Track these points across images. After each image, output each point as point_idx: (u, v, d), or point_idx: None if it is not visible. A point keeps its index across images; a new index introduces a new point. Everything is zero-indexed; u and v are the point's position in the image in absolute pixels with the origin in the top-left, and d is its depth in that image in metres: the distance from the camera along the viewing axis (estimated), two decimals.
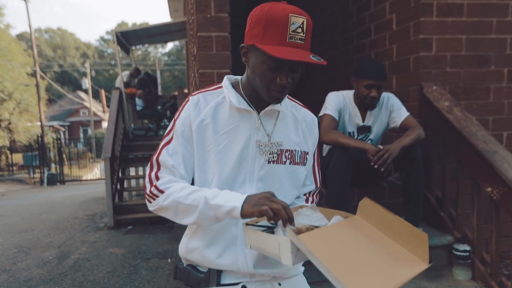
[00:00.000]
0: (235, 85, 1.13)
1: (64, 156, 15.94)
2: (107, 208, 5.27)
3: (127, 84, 8.60)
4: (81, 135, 30.48)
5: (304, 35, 0.96)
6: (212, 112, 1.08)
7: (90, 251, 4.02)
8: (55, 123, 28.42)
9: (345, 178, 2.29)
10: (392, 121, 2.53)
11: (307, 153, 1.17)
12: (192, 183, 1.11)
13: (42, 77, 18.24)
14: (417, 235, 0.87)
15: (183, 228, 1.20)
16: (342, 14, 4.20)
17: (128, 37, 8.49)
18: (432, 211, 2.78)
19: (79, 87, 34.76)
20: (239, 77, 1.16)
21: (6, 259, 3.88)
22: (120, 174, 6.14)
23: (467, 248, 2.37)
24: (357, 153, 2.34)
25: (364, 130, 2.54)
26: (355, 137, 2.55)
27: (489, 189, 2.22)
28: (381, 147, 2.23)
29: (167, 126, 1.15)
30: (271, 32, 0.94)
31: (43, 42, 43.69)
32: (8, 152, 16.53)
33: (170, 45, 46.52)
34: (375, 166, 2.18)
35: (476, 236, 2.40)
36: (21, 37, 36.76)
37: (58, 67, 41.14)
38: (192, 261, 1.14)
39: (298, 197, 1.21)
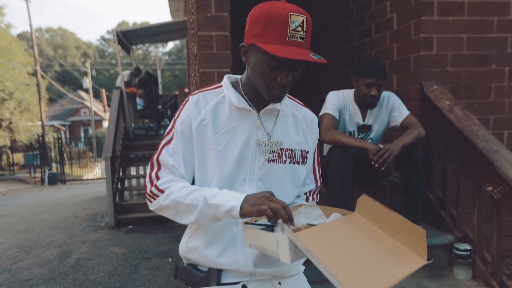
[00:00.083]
0: (235, 85, 1.13)
1: (65, 155, 15.95)
2: (108, 208, 5.27)
3: (127, 84, 8.61)
4: (82, 134, 30.50)
5: (304, 33, 0.96)
6: (212, 111, 1.08)
7: (91, 251, 4.03)
8: (56, 123, 28.45)
9: (345, 177, 2.29)
10: (393, 120, 2.53)
11: (307, 152, 1.17)
12: (193, 183, 1.11)
13: (43, 77, 18.26)
14: (416, 231, 0.87)
15: (183, 227, 1.20)
16: (343, 13, 4.20)
17: (128, 37, 8.50)
18: (433, 210, 2.77)
19: (80, 86, 34.82)
20: (239, 76, 1.16)
21: (7, 259, 3.89)
22: (121, 174, 6.14)
23: (468, 247, 2.37)
24: (357, 152, 2.34)
25: (364, 129, 2.54)
26: (356, 136, 2.55)
27: (490, 188, 2.22)
28: (381, 146, 2.22)
29: (168, 125, 1.15)
30: (271, 31, 0.94)
31: (44, 41, 43.73)
32: (9, 151, 16.55)
33: (170, 45, 46.55)
34: (376, 165, 2.18)
35: (477, 235, 2.39)
36: (22, 36, 36.79)
37: (59, 67, 41.18)
38: (192, 260, 1.15)
39: (298, 196, 1.21)
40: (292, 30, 0.94)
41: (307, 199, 1.22)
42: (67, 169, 15.71)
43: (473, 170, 2.39)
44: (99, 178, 15.30)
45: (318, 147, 1.24)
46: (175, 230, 4.81)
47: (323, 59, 0.95)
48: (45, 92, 19.14)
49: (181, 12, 9.00)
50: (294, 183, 1.15)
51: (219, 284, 1.10)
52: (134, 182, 7.08)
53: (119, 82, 8.37)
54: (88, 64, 26.33)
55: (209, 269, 1.11)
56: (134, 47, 10.03)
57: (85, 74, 29.77)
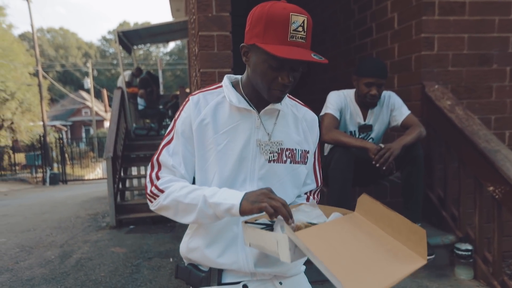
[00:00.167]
0: (235, 85, 1.13)
1: (66, 155, 15.99)
2: (109, 208, 5.28)
3: (129, 84, 8.61)
4: (83, 134, 30.54)
5: (305, 33, 0.96)
6: (212, 111, 1.08)
7: (92, 251, 4.03)
8: (57, 123, 28.50)
9: (346, 177, 2.29)
10: (393, 120, 2.53)
11: (308, 152, 1.17)
12: (194, 183, 1.11)
13: (44, 77, 18.28)
14: (416, 231, 0.87)
15: (184, 227, 1.20)
16: (344, 13, 4.19)
17: (130, 37, 8.50)
18: (434, 210, 2.77)
19: (81, 86, 34.85)
20: (239, 77, 1.16)
21: (9, 258, 3.90)
22: (122, 174, 6.15)
23: (469, 247, 2.36)
24: (358, 152, 2.34)
25: (365, 129, 2.54)
26: (357, 136, 2.55)
27: (491, 188, 2.22)
28: (382, 145, 2.22)
29: (169, 125, 1.15)
30: (272, 31, 0.94)
31: (45, 42, 43.80)
32: (10, 151, 16.59)
33: (172, 45, 46.59)
34: (377, 165, 2.17)
35: (478, 236, 2.39)
36: (23, 37, 36.89)
37: (60, 67, 41.24)
38: (193, 260, 1.15)
39: (299, 196, 1.21)
40: (293, 30, 0.94)
41: (307, 199, 1.22)
42: (68, 169, 15.75)
43: (474, 170, 2.38)
44: (100, 178, 15.33)
45: (319, 147, 1.24)
46: (176, 230, 4.81)
47: (324, 59, 0.95)
48: (46, 92, 19.15)
49: (182, 12, 9.00)
50: (295, 183, 1.15)
51: (220, 284, 1.10)
52: (135, 182, 7.09)
53: (120, 82, 8.37)
54: (89, 64, 26.38)
55: (210, 269, 1.12)
56: (135, 47, 10.04)
57: (86, 74, 29.82)
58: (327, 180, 2.36)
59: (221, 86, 1.13)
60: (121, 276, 3.27)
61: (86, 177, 16.43)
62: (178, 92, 9.01)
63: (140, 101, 8.47)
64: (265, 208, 0.90)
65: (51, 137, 18.00)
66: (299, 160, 1.14)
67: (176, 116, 1.12)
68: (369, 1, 3.58)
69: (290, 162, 1.12)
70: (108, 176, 5.26)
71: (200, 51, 2.51)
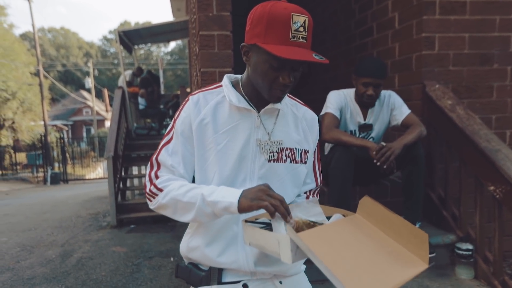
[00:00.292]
0: (235, 84, 1.13)
1: (67, 155, 16.02)
2: (110, 207, 5.28)
3: (129, 83, 8.63)
4: (84, 134, 30.58)
5: (306, 34, 0.96)
6: (212, 111, 1.08)
7: (93, 250, 4.04)
8: (58, 123, 28.54)
9: (346, 176, 2.29)
10: (394, 119, 2.53)
11: (308, 152, 1.17)
12: (193, 182, 1.11)
13: (45, 77, 18.31)
14: (417, 234, 0.87)
15: (185, 227, 1.21)
16: (344, 13, 4.19)
17: (130, 37, 8.51)
18: (434, 209, 2.77)
19: (82, 86, 34.91)
20: (239, 76, 1.16)
21: (10, 258, 3.91)
22: (123, 173, 6.16)
23: (470, 247, 2.36)
24: (359, 151, 2.34)
25: (365, 128, 2.54)
26: (357, 135, 2.55)
27: (492, 187, 2.21)
28: (384, 143, 2.22)
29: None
30: (273, 31, 0.94)
31: (46, 41, 43.84)
32: (11, 151, 16.62)
33: (172, 44, 46.58)
34: (378, 163, 2.17)
35: (479, 235, 2.39)
36: (24, 36, 36.93)
37: (61, 67, 41.28)
38: (193, 259, 1.15)
39: (298, 195, 1.21)
40: (294, 30, 0.94)
41: (307, 198, 1.22)
42: (69, 169, 15.77)
43: (475, 170, 2.38)
44: (101, 178, 15.36)
45: (318, 146, 1.24)
46: (177, 229, 4.82)
47: (325, 59, 0.95)
48: (47, 92, 19.20)
49: (183, 11, 9.00)
50: (295, 182, 1.15)
51: (220, 283, 1.10)
52: (136, 181, 7.10)
53: (121, 81, 8.38)
54: (90, 64, 26.38)
55: (210, 268, 1.12)
56: (136, 47, 10.05)
57: (87, 74, 29.83)
58: (327, 179, 2.36)
59: (221, 86, 1.13)
60: (122, 275, 3.27)
61: (87, 177, 16.45)
62: (179, 92, 9.02)
63: (141, 100, 8.48)
64: (266, 207, 0.90)
65: (52, 137, 18.02)
66: (299, 159, 1.14)
67: (176, 116, 1.12)
68: (369, 1, 3.58)
69: (290, 162, 1.12)
70: (109, 176, 5.26)
71: (201, 50, 2.51)
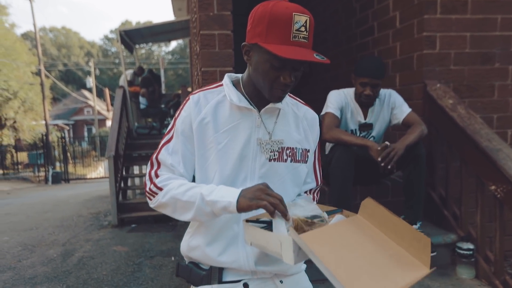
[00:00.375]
0: (235, 83, 1.13)
1: (68, 154, 16.03)
2: (111, 207, 5.30)
3: (131, 83, 8.63)
4: (86, 133, 30.60)
5: (307, 33, 0.96)
6: (213, 110, 1.08)
7: (94, 249, 4.04)
8: (60, 122, 28.58)
9: (347, 175, 2.29)
10: (394, 118, 2.53)
11: (308, 151, 1.17)
12: (193, 181, 1.11)
13: (46, 76, 18.34)
14: (420, 239, 0.86)
15: (186, 226, 1.21)
16: (345, 12, 4.19)
17: (132, 36, 8.52)
18: (435, 209, 2.77)
19: (83, 86, 34.94)
20: (239, 75, 1.16)
21: (11, 257, 3.92)
22: (124, 173, 6.17)
23: (471, 246, 2.36)
24: (360, 151, 2.34)
25: (366, 127, 2.53)
26: (358, 134, 2.55)
27: (493, 187, 2.21)
28: (388, 143, 2.22)
29: None
30: (275, 31, 0.94)
31: (47, 41, 43.90)
32: (13, 150, 16.66)
33: (173, 44, 46.63)
34: (382, 164, 2.17)
35: (480, 235, 2.39)
36: (26, 36, 36.98)
37: (63, 66, 41.34)
38: (194, 258, 1.15)
39: (299, 195, 1.21)
40: (296, 30, 0.94)
41: None
42: (70, 168, 15.79)
43: (476, 169, 2.38)
44: (102, 177, 15.38)
45: (319, 146, 1.24)
46: (178, 229, 4.82)
47: (326, 59, 0.95)
48: (49, 91, 19.23)
49: (184, 11, 9.01)
50: (295, 181, 1.15)
51: (220, 282, 1.10)
52: (137, 181, 7.11)
53: (122, 81, 8.39)
54: (91, 64, 26.39)
55: (211, 267, 1.12)
56: (137, 46, 10.06)
57: (88, 73, 29.85)
58: (328, 179, 2.36)
59: (221, 85, 1.13)
60: (123, 274, 3.28)
61: (88, 176, 16.47)
62: (180, 91, 9.03)
63: (142, 100, 8.48)
64: (265, 206, 0.90)
65: (54, 136, 18.05)
66: (299, 158, 1.14)
67: (176, 115, 1.12)
68: (370, 0, 3.57)
69: (291, 161, 1.12)
70: (110, 175, 5.27)
71: (202, 50, 2.51)
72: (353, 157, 2.30)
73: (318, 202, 1.19)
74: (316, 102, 2.35)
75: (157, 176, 1.09)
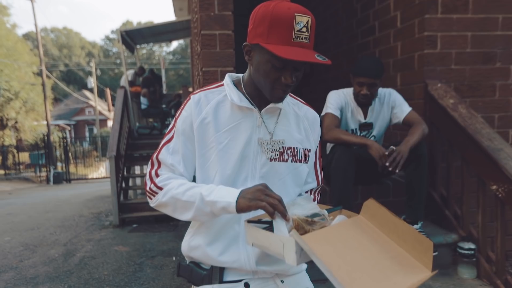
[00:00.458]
0: (236, 83, 1.13)
1: (70, 154, 16.06)
2: (112, 207, 5.30)
3: (132, 83, 8.64)
4: (87, 134, 30.64)
5: (308, 34, 0.96)
6: (214, 110, 1.08)
7: (95, 249, 4.05)
8: (61, 122, 28.63)
9: (347, 175, 2.29)
10: (395, 117, 2.52)
11: (309, 151, 1.17)
12: (194, 181, 1.12)
13: (48, 76, 18.38)
14: (422, 241, 0.86)
15: (187, 226, 1.21)
16: (346, 11, 4.18)
17: (133, 36, 8.52)
18: (436, 209, 2.76)
19: (84, 86, 34.98)
20: (240, 75, 1.16)
21: (13, 257, 3.92)
22: (125, 173, 6.17)
23: (472, 246, 2.36)
24: (360, 151, 2.34)
25: (366, 127, 2.53)
26: (358, 134, 2.55)
27: (494, 187, 2.21)
28: (394, 148, 2.20)
29: None
30: (276, 31, 0.94)
31: (49, 41, 43.96)
32: (15, 151, 16.69)
33: (174, 44, 46.66)
34: (390, 168, 2.16)
35: (481, 234, 2.38)
36: (27, 36, 37.05)
37: (64, 66, 41.41)
38: (195, 258, 1.15)
39: (300, 195, 1.21)
40: (297, 31, 0.94)
41: None
42: (72, 168, 15.81)
43: (477, 169, 2.38)
44: (103, 177, 15.40)
45: (320, 145, 1.24)
46: (179, 228, 4.83)
47: (327, 60, 0.95)
48: (50, 91, 19.25)
49: (185, 11, 9.01)
50: (296, 181, 1.15)
51: (221, 282, 1.11)
52: (138, 181, 7.12)
53: (123, 81, 8.40)
54: (92, 64, 26.43)
55: (212, 267, 1.12)
56: (138, 46, 10.06)
57: (89, 73, 29.91)
58: (328, 179, 2.36)
59: (222, 85, 1.13)
60: (124, 274, 3.28)
61: (89, 176, 16.50)
62: (181, 91, 9.05)
63: (143, 100, 8.49)
64: (264, 207, 0.90)
65: (55, 136, 18.08)
66: (300, 158, 1.14)
67: (177, 115, 1.12)
68: (371, 0, 3.57)
69: (292, 161, 1.12)
70: (111, 175, 5.28)
71: (203, 50, 2.51)
72: (353, 156, 2.30)
73: (319, 202, 1.19)
74: (317, 102, 2.35)
75: (157, 175, 1.09)
